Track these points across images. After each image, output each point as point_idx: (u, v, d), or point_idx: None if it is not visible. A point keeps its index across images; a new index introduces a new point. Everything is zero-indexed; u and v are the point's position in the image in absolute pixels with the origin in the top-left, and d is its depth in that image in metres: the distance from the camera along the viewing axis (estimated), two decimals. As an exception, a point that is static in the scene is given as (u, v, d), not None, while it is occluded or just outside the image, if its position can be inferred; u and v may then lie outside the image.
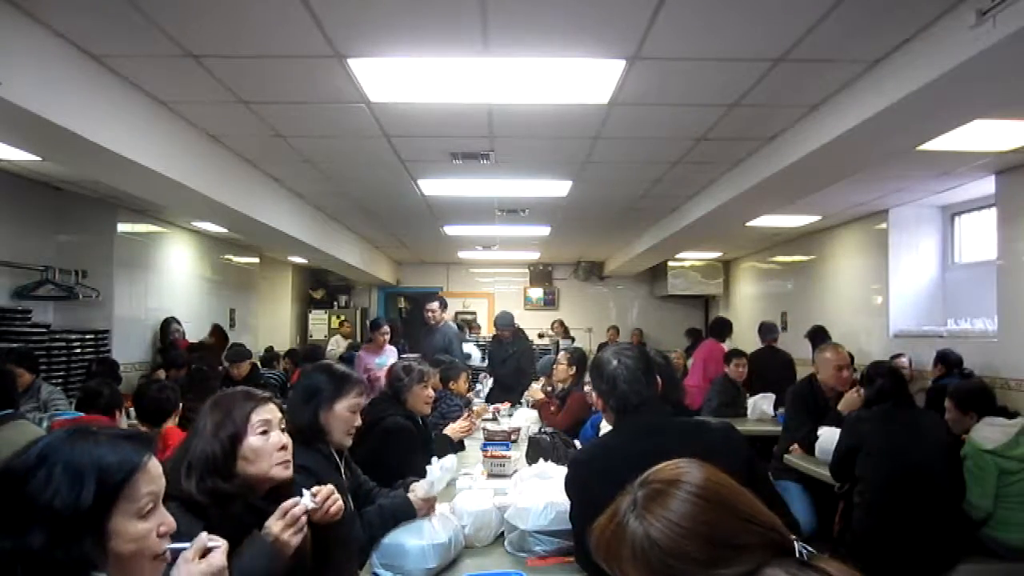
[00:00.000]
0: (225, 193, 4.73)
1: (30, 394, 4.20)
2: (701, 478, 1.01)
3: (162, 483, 1.16)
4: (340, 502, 1.75)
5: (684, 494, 0.98)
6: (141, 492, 1.11)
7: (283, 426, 1.77)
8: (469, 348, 8.33)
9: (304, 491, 1.69)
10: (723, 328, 7.28)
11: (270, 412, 1.74)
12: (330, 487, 1.75)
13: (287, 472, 1.72)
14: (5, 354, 4.29)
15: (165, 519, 1.14)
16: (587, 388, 4.37)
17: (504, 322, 7.26)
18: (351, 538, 1.87)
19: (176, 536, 1.17)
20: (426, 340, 6.71)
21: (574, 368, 5.31)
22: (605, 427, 3.57)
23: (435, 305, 6.69)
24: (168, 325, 6.97)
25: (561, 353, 5.92)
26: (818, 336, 6.49)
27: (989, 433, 3.14)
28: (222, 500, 1.60)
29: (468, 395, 5.29)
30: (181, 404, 3.52)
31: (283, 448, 1.73)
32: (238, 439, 1.67)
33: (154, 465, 1.15)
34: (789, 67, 3.22)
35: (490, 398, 5.89)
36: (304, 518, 1.64)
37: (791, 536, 0.99)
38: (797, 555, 0.97)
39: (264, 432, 1.71)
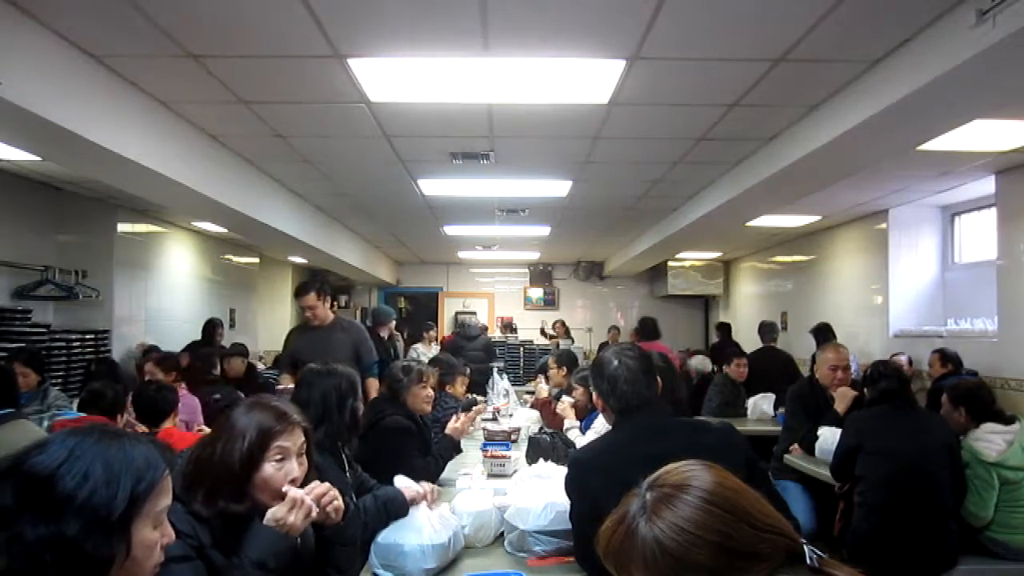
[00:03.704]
0: (225, 193, 4.73)
1: (36, 396, 4.20)
2: (711, 482, 1.00)
3: (171, 497, 1.18)
4: (340, 503, 1.73)
5: (695, 499, 0.97)
6: (161, 501, 1.13)
7: (302, 452, 1.70)
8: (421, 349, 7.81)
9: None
10: (651, 329, 7.20)
11: (292, 439, 1.67)
12: (327, 485, 1.72)
13: None
14: (14, 354, 4.29)
15: (168, 531, 1.16)
16: (566, 398, 4.38)
17: (385, 315, 6.96)
18: (354, 539, 1.87)
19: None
20: (305, 344, 4.48)
21: (564, 369, 5.32)
22: (598, 425, 3.59)
23: (311, 296, 4.48)
24: (214, 329, 6.90)
25: (549, 358, 5.91)
26: (822, 333, 6.49)
27: (990, 443, 3.13)
28: (228, 517, 1.58)
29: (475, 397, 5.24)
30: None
31: (294, 480, 1.66)
32: (255, 465, 1.61)
33: (169, 479, 1.17)
34: (789, 67, 3.22)
35: None
36: (307, 501, 1.60)
37: (801, 541, 0.99)
38: (808, 560, 0.97)
39: (280, 460, 1.64)
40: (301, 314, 4.74)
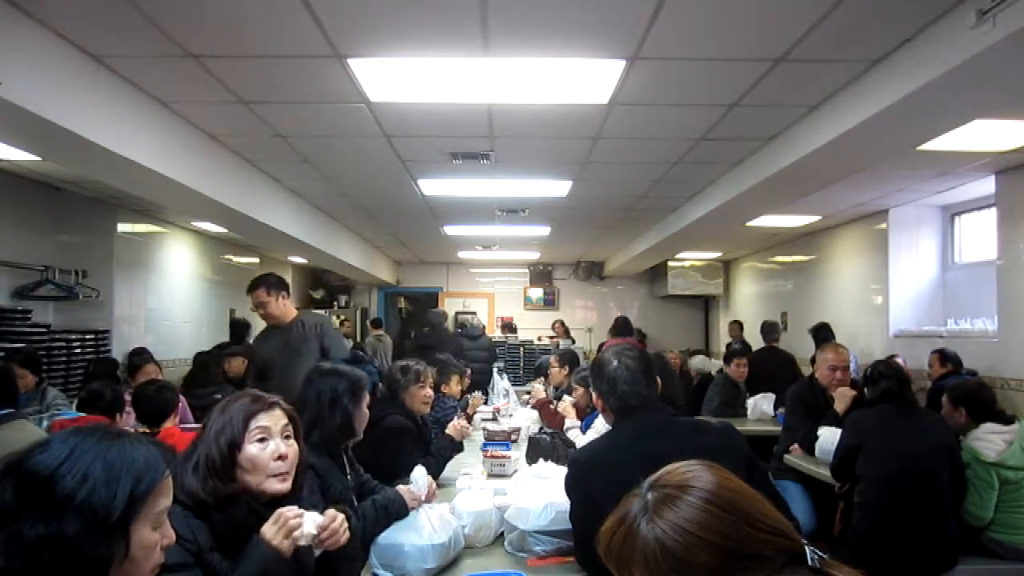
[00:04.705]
0: (225, 193, 4.73)
1: (34, 397, 4.20)
2: (712, 483, 1.00)
3: (171, 498, 1.18)
4: (346, 535, 1.71)
5: (696, 500, 0.97)
6: (160, 502, 1.13)
7: (287, 433, 1.72)
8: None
9: (311, 521, 1.64)
10: (621, 327, 7.13)
11: (272, 419, 1.69)
12: (340, 519, 1.70)
13: (282, 486, 1.67)
14: (10, 355, 4.29)
15: (169, 532, 1.16)
16: (567, 397, 4.39)
17: (440, 318, 7.06)
18: (354, 553, 1.87)
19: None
20: (266, 349, 4.21)
21: (566, 368, 5.32)
22: (598, 425, 3.59)
23: (260, 292, 4.08)
24: (246, 329, 6.96)
25: (551, 356, 5.91)
26: (821, 333, 6.49)
27: (989, 443, 3.13)
28: (225, 502, 1.59)
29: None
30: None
31: (281, 458, 1.67)
32: (236, 446, 1.64)
33: (170, 479, 1.17)
34: (789, 67, 3.21)
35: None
36: (291, 522, 1.58)
37: (803, 541, 0.99)
38: (809, 561, 0.97)
39: (262, 440, 1.66)
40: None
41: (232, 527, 1.58)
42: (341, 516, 1.71)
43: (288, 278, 10.77)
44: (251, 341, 6.77)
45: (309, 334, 4.09)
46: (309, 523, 1.62)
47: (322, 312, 11.27)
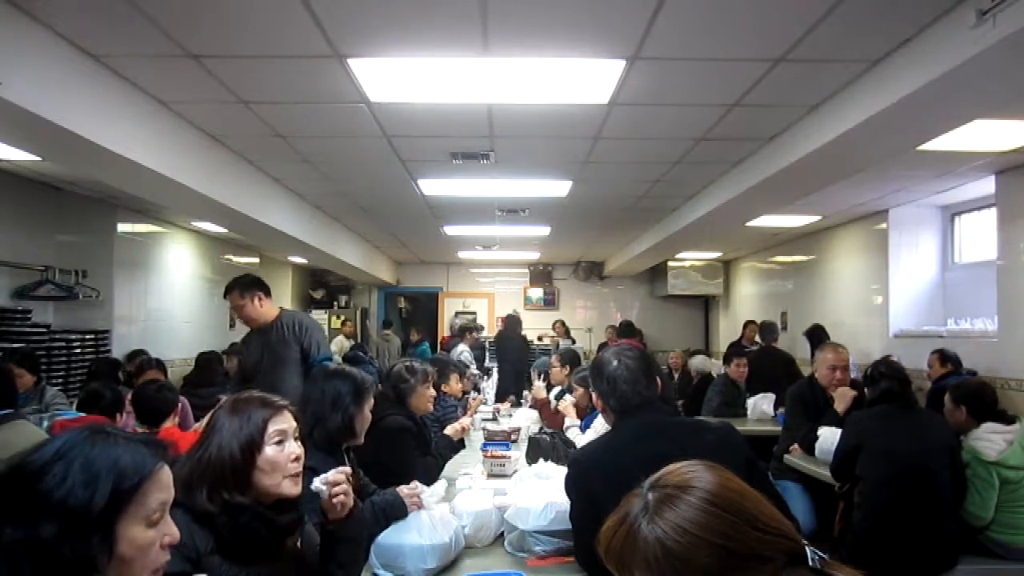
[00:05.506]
0: (225, 193, 4.73)
1: (33, 396, 4.20)
2: (713, 483, 1.00)
3: (172, 492, 1.16)
4: (350, 498, 1.76)
5: (697, 500, 0.97)
6: (152, 499, 1.11)
7: (296, 435, 1.74)
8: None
9: (315, 480, 1.73)
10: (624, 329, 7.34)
11: (285, 421, 1.71)
12: (345, 476, 1.76)
13: (296, 489, 1.69)
14: (8, 355, 4.29)
15: (170, 530, 1.14)
16: (568, 397, 4.39)
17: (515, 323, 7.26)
18: (356, 536, 1.88)
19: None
20: (247, 352, 4.18)
21: (567, 368, 5.33)
22: (598, 425, 3.59)
23: (234, 295, 4.00)
24: None
25: (553, 356, 5.93)
26: (816, 335, 6.50)
27: (990, 442, 3.13)
28: (233, 510, 1.58)
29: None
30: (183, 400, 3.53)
31: (296, 459, 1.70)
32: (256, 448, 1.64)
33: (167, 473, 1.15)
34: (789, 67, 3.21)
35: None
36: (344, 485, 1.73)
37: (803, 542, 0.99)
38: (810, 562, 0.97)
39: (280, 442, 1.68)
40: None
41: (236, 530, 1.57)
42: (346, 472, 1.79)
43: (288, 278, 10.93)
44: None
45: (288, 335, 3.99)
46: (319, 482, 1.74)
47: (323, 312, 11.33)
